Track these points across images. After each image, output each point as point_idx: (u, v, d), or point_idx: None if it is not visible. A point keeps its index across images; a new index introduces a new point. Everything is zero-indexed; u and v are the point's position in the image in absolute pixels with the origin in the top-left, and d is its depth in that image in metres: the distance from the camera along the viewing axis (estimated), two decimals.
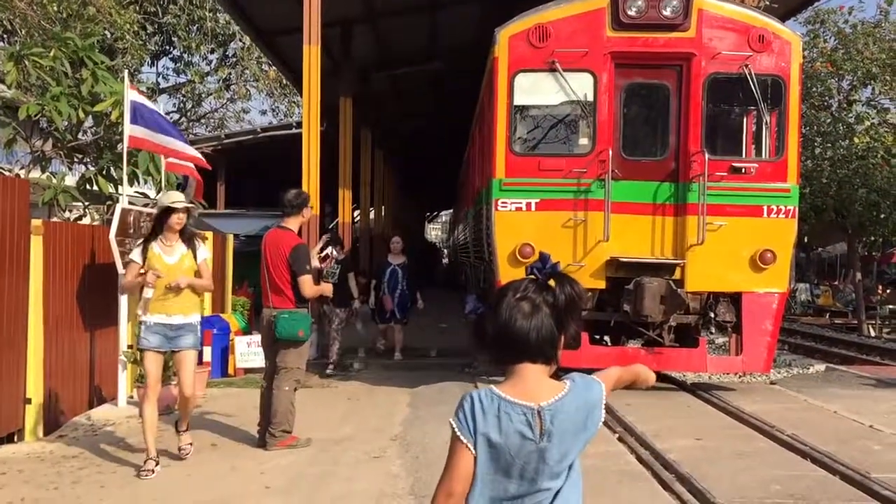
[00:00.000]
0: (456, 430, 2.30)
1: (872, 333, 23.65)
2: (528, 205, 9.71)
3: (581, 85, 9.67)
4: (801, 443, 7.16)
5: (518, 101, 9.83)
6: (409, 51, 22.56)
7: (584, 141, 9.90)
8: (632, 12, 9.55)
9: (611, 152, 9.48)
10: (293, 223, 7.43)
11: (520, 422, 2.26)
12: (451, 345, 14.03)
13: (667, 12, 9.55)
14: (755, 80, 9.58)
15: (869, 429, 7.89)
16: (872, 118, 22.31)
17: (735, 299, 9.69)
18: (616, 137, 9.73)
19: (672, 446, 7.00)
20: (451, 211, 41.32)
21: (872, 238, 23.73)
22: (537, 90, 9.83)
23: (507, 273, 9.59)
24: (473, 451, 2.28)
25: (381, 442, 7.46)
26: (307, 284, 7.23)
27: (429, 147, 31.14)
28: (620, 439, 7.41)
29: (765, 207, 9.65)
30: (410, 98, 25.79)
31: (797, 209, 9.75)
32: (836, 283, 32.39)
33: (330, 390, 10.36)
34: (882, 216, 21.65)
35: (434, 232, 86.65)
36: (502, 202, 9.75)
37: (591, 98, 9.68)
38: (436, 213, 68.59)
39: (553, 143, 10.16)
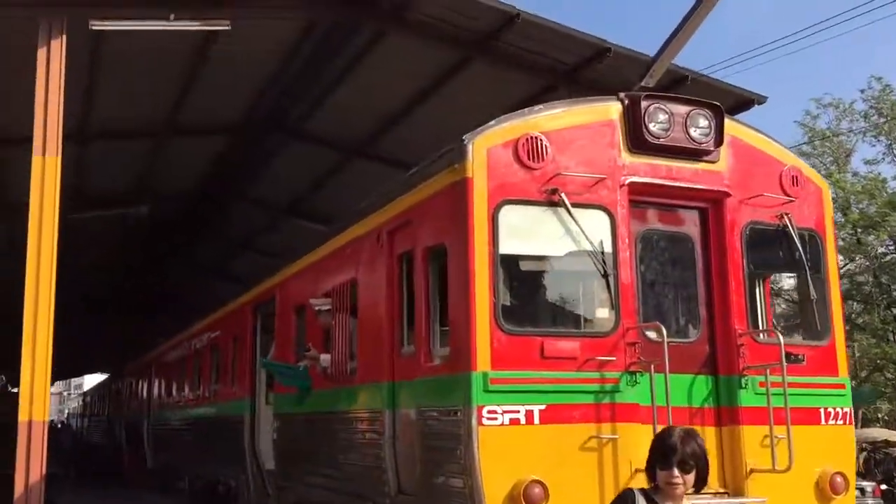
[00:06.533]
0: None
1: None
2: (530, 414, 5.92)
3: (594, 227, 6.33)
4: None
5: (506, 247, 6.15)
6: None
7: (602, 313, 6.43)
8: (655, 128, 6.60)
9: (653, 333, 6.15)
10: None
11: None
12: None
13: (694, 133, 6.74)
14: (797, 233, 7.03)
15: None
16: None
17: None
18: (639, 307, 6.47)
19: None
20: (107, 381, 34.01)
21: None
22: (532, 232, 6.30)
23: None
24: None
25: None
26: None
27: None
28: None
29: (822, 410, 6.90)
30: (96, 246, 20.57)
31: (853, 413, 7.16)
32: None
33: None
34: None
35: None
36: (490, 411, 5.83)
37: (608, 247, 6.36)
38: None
39: (558, 314, 6.57)
